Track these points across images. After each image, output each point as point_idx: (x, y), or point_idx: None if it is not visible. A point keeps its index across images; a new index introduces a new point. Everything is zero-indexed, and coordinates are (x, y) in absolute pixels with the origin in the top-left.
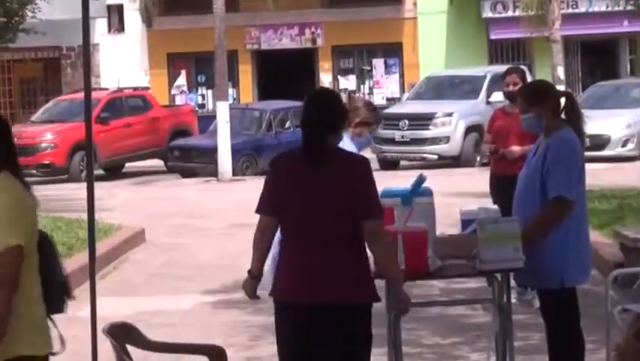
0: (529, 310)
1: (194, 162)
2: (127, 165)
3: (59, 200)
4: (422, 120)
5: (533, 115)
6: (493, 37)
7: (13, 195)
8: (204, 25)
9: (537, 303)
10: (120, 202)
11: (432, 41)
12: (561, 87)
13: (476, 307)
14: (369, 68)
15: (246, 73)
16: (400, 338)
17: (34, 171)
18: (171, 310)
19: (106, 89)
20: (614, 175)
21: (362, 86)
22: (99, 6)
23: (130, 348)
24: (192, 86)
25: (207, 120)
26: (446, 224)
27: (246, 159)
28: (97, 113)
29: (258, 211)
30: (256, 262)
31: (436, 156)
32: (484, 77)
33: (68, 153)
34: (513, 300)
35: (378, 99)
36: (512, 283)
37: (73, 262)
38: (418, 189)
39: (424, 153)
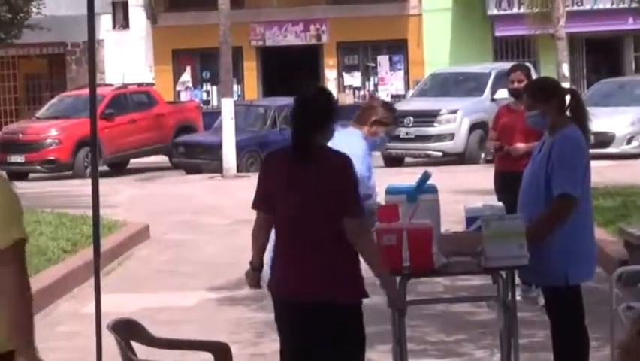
0: (533, 308)
1: (199, 158)
2: (132, 161)
3: (64, 196)
4: (427, 117)
5: (538, 112)
6: (497, 34)
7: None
8: (209, 21)
9: (542, 300)
10: (125, 198)
11: (437, 38)
12: (566, 84)
13: (481, 304)
14: (373, 65)
15: (251, 69)
16: (404, 335)
17: (38, 167)
18: (176, 307)
19: (111, 85)
20: (619, 173)
21: (367, 83)
22: (104, 2)
23: (134, 344)
24: (197, 82)
25: (212, 117)
26: (451, 221)
27: (250, 156)
28: (102, 109)
29: (254, 207)
30: (256, 254)
31: (440, 153)
32: (489, 74)
33: (73, 149)
34: (518, 297)
35: (382, 96)
36: (517, 280)
37: (77, 259)
38: (423, 186)
39: (429, 149)
